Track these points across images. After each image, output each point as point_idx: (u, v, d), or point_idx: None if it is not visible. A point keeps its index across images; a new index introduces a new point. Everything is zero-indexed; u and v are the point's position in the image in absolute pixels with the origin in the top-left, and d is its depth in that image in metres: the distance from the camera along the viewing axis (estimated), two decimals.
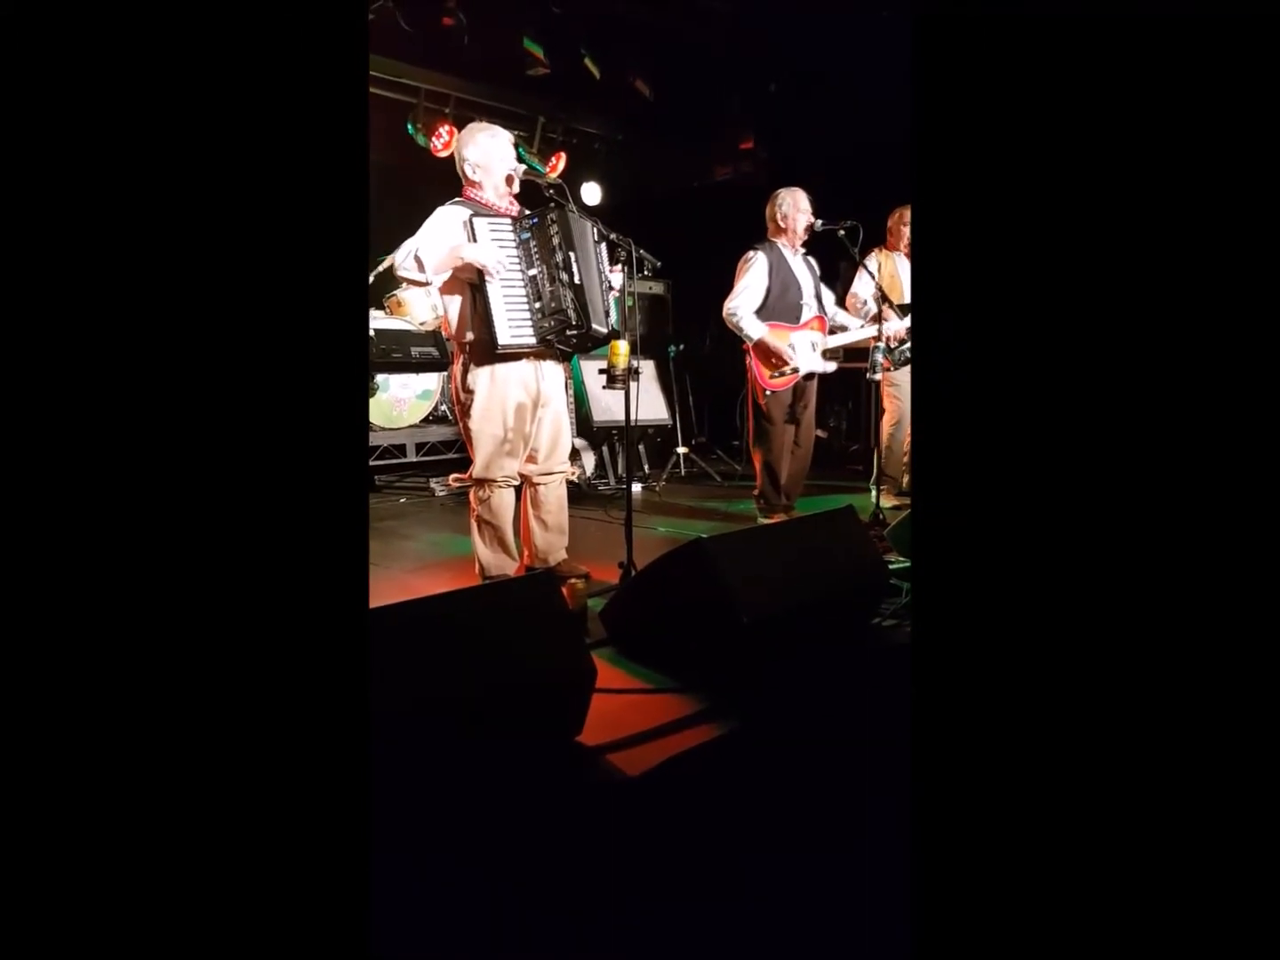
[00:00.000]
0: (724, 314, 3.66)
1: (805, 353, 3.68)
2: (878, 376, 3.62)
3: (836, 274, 5.34)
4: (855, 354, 4.79)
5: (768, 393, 3.67)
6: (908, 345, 4.09)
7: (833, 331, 3.85)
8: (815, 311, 3.76)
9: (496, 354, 2.59)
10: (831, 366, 3.81)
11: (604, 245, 2.75)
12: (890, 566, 2.60)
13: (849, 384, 5.83)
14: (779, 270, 3.66)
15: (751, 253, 3.70)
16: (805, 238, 3.72)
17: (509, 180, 2.70)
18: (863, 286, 4.12)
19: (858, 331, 3.88)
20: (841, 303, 4.25)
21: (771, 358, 3.62)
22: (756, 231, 3.83)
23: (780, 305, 3.66)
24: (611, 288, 2.75)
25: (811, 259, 3.85)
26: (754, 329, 3.60)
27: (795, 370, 3.64)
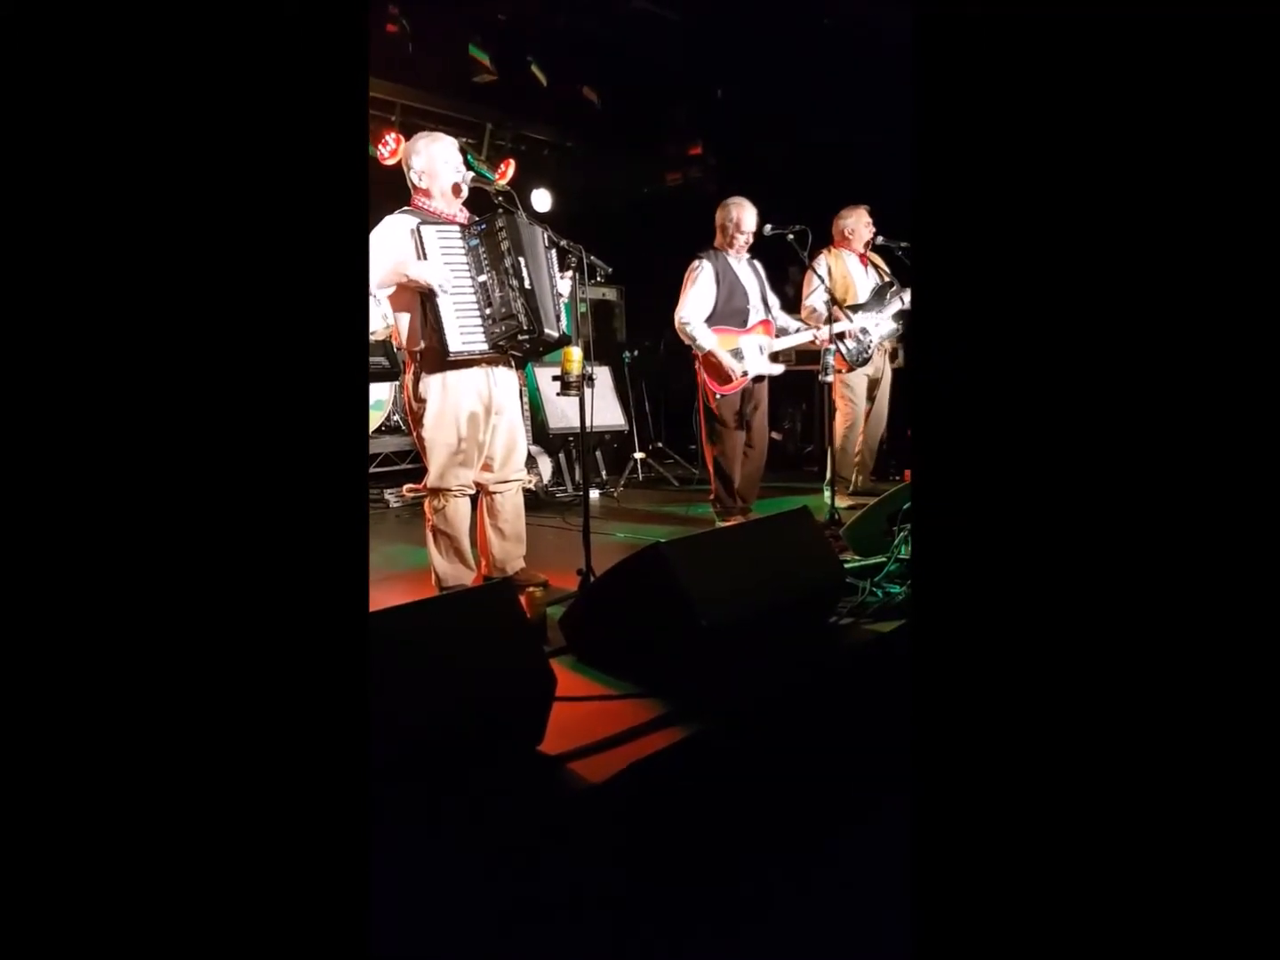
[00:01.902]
0: (676, 324, 3.70)
1: (753, 356, 3.72)
2: (830, 378, 3.66)
3: (787, 277, 5.40)
4: (808, 356, 4.84)
5: (718, 396, 3.70)
6: (865, 345, 4.16)
7: (779, 334, 3.89)
8: (762, 315, 3.81)
9: (448, 361, 2.57)
10: (779, 369, 3.86)
11: (554, 251, 2.75)
12: (846, 565, 2.63)
13: (802, 386, 5.89)
14: (725, 277, 3.71)
15: (697, 261, 3.74)
16: (747, 248, 3.76)
17: (456, 189, 2.69)
18: (816, 298, 4.15)
19: (798, 335, 3.94)
20: (796, 311, 4.30)
21: (720, 369, 3.66)
22: (708, 236, 3.85)
23: (727, 311, 3.71)
24: (560, 295, 2.75)
25: (757, 263, 3.89)
26: (706, 340, 3.64)
27: (745, 374, 3.68)
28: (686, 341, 3.70)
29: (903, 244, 4.25)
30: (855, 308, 4.17)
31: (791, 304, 4.55)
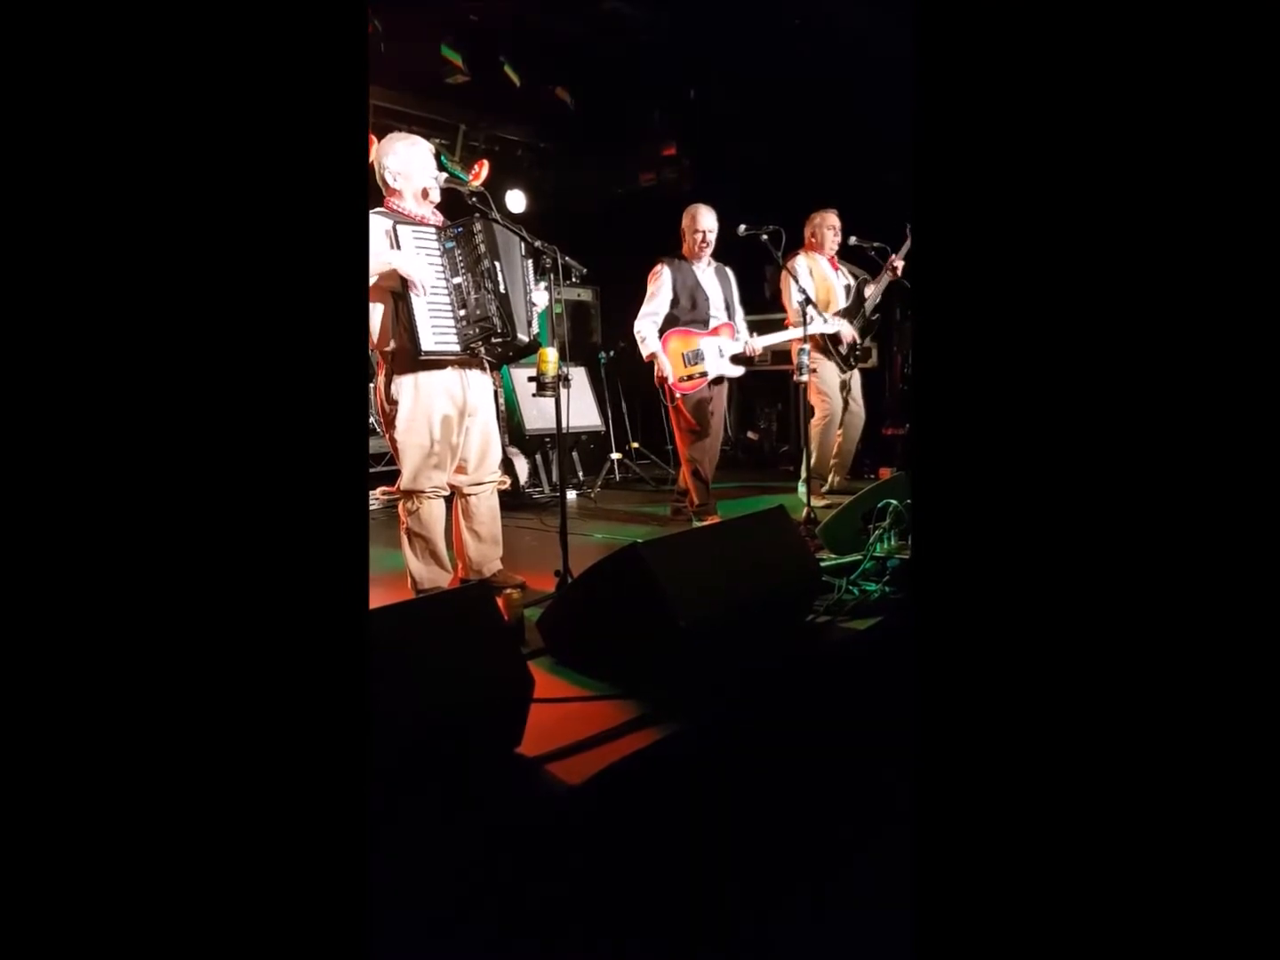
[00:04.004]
0: (634, 329, 3.80)
1: (713, 358, 3.81)
2: (804, 377, 3.69)
3: (763, 277, 5.41)
4: (782, 355, 4.87)
5: (677, 394, 3.79)
6: (854, 344, 4.23)
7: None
8: (725, 320, 3.89)
9: (420, 360, 2.56)
10: (739, 371, 3.95)
11: (530, 260, 2.75)
12: (822, 564, 2.64)
13: (777, 386, 5.91)
14: (685, 282, 3.79)
15: (660, 266, 3.83)
16: (710, 250, 3.82)
17: (426, 191, 2.67)
18: (794, 298, 4.20)
19: (783, 333, 4.00)
20: (776, 311, 4.37)
21: (671, 366, 3.74)
22: (680, 237, 3.88)
23: (690, 318, 3.80)
24: (534, 305, 2.75)
25: (729, 270, 3.96)
26: (652, 343, 3.76)
27: (704, 374, 3.78)
28: (640, 346, 3.80)
29: (875, 244, 4.28)
30: (842, 313, 4.25)
31: (770, 304, 4.58)
